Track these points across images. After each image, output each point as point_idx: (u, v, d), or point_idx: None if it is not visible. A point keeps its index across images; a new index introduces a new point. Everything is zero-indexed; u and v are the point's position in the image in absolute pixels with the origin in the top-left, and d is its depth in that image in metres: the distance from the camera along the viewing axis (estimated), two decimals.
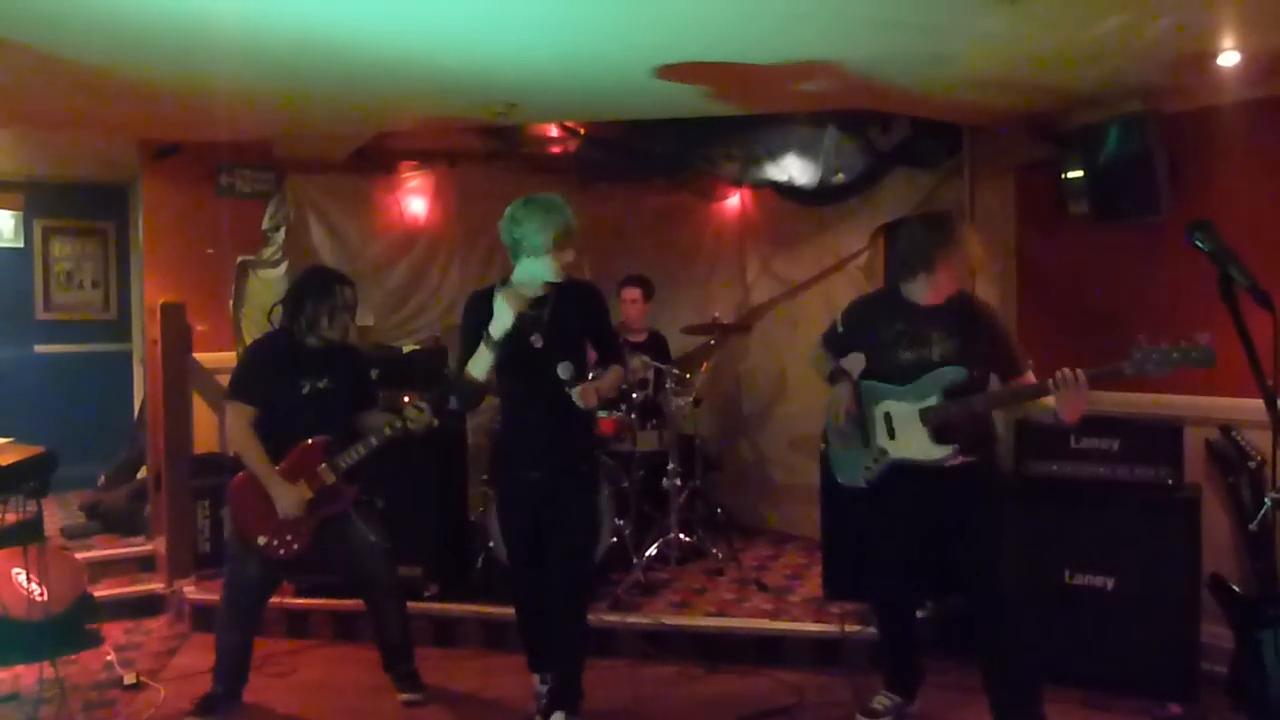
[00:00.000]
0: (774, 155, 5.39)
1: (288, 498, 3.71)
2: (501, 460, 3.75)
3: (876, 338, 3.50)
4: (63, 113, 4.89)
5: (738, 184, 6.12)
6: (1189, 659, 3.76)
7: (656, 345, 5.74)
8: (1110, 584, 3.85)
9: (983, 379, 3.41)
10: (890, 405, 3.42)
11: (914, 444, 3.38)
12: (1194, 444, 3.99)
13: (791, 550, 5.64)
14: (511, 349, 3.42)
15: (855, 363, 3.64)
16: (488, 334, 3.37)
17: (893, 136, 5.13)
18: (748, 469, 6.28)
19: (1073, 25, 3.33)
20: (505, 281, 3.47)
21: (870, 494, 3.53)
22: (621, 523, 5.00)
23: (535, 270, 3.39)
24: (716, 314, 5.80)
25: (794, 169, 5.36)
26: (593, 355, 3.82)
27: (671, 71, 3.88)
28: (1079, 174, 4.34)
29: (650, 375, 5.34)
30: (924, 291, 3.41)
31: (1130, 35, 3.42)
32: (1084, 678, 3.84)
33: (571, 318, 3.50)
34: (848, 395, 3.52)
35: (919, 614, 3.94)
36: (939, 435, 3.34)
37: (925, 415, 3.35)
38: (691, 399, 5.39)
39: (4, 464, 3.22)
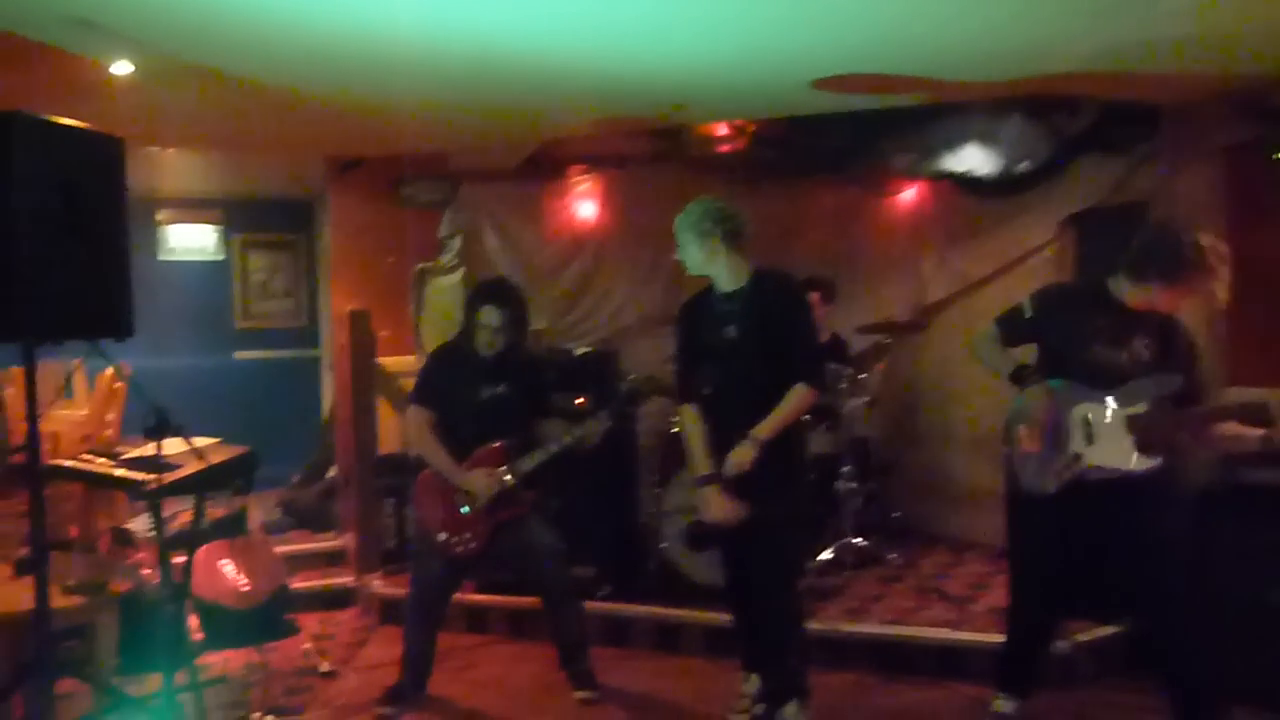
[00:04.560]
0: (952, 145, 5.27)
1: (478, 482, 3.90)
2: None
3: (1071, 330, 3.31)
4: (257, 134, 5.32)
5: (913, 177, 6.00)
6: None
7: (835, 348, 5.72)
8: None
9: (1192, 394, 3.23)
10: (1091, 409, 3.24)
11: (1115, 452, 3.20)
12: None
13: (973, 558, 5.49)
14: (706, 341, 3.49)
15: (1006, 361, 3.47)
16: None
17: (1080, 121, 4.93)
18: (925, 472, 6.15)
19: None
20: (710, 289, 3.56)
21: (1049, 502, 3.36)
22: None
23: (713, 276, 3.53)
24: (891, 312, 5.71)
25: (974, 159, 5.23)
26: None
27: (830, 82, 3.84)
28: None
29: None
30: (1141, 297, 3.23)
31: None
32: None
33: (764, 312, 3.47)
34: (1048, 401, 3.29)
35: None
36: (1144, 445, 3.17)
37: (1135, 422, 3.17)
38: (866, 400, 5.34)
39: (214, 462, 3.52)
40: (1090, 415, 3.25)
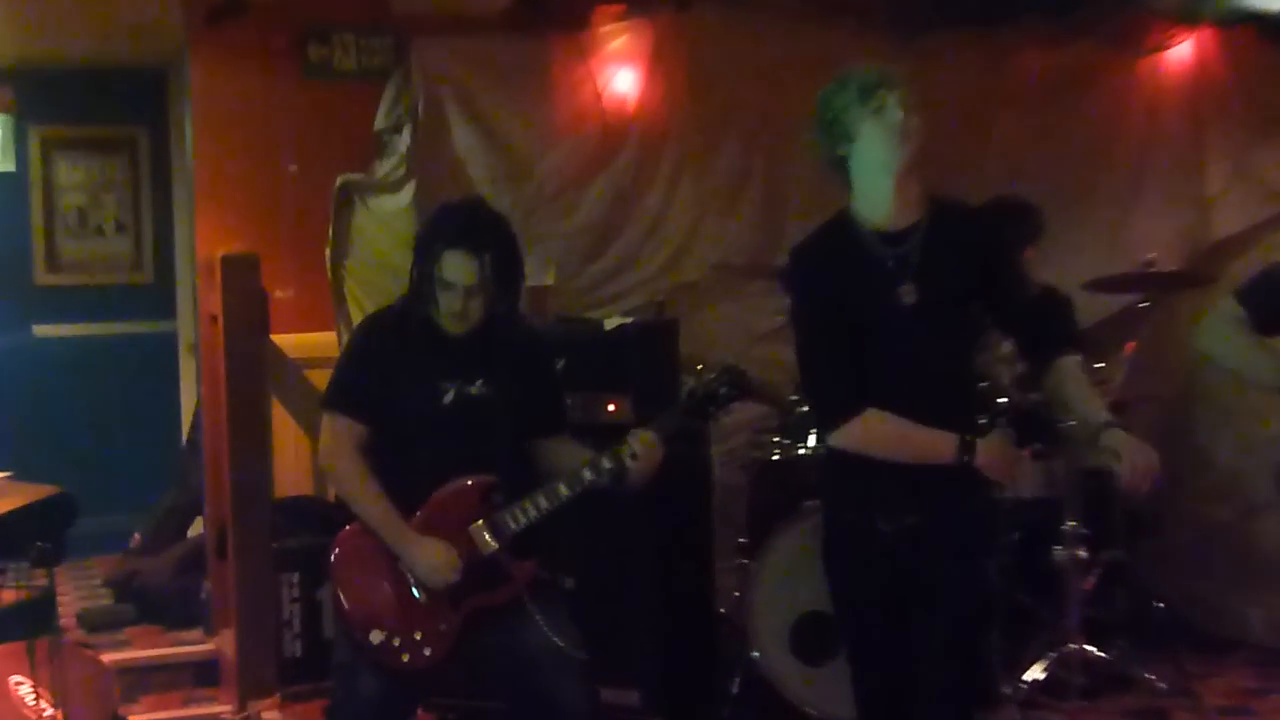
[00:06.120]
0: None
1: (430, 557, 3.85)
2: (841, 496, 3.69)
3: None
4: None
5: (1189, 22, 5.94)
6: None
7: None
8: None
9: None
10: None
11: None
12: None
13: None
14: (866, 310, 3.45)
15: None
16: None
17: None
18: (1209, 532, 6.14)
19: None
20: (844, 214, 3.52)
21: None
22: None
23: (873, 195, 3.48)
24: (1151, 255, 5.64)
25: None
26: None
27: None
28: None
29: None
30: None
31: None
32: None
33: (956, 257, 3.48)
34: None
35: None
36: None
37: None
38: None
39: (2, 511, 3.54)
40: None
